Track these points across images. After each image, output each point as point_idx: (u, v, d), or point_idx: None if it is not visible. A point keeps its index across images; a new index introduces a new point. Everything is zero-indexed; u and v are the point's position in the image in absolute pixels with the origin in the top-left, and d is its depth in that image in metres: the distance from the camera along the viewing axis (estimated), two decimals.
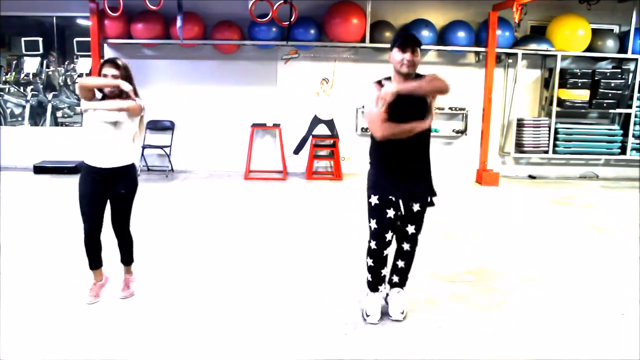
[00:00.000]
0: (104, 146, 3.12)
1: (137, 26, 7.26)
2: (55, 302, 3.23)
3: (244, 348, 2.77)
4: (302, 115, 7.92)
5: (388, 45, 2.94)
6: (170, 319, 3.06)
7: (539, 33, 7.85)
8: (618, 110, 7.83)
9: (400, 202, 2.97)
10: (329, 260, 4.12)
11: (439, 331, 2.98)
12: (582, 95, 7.67)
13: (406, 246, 3.10)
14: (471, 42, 7.51)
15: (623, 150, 7.89)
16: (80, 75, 8.43)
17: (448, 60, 7.82)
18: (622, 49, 7.72)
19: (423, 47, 3.85)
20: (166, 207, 5.82)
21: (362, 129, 7.85)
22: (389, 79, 2.92)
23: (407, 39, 2.83)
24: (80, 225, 3.21)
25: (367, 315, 3.08)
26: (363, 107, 7.59)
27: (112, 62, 3.12)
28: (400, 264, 3.15)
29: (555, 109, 7.72)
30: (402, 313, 3.10)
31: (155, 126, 7.69)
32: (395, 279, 3.18)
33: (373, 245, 3.02)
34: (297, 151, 8.00)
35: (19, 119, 8.63)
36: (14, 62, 9.03)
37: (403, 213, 3.00)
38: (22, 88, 8.78)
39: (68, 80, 9.03)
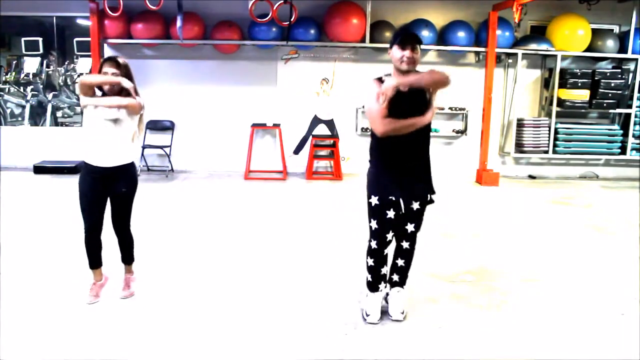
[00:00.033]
0: (104, 145, 3.11)
1: (137, 26, 7.26)
2: (55, 302, 3.23)
3: (244, 348, 2.77)
4: (302, 115, 7.92)
5: (388, 45, 2.94)
6: (171, 319, 3.06)
7: (539, 33, 7.85)
8: (618, 110, 7.83)
9: (401, 201, 2.97)
10: (329, 261, 4.12)
11: (439, 331, 2.98)
12: (582, 95, 7.67)
13: (405, 244, 3.10)
14: (471, 42, 7.51)
15: (623, 150, 7.89)
16: (80, 75, 8.43)
17: (448, 60, 7.82)
18: (622, 49, 7.72)
19: (423, 47, 3.85)
20: (166, 207, 5.82)
21: (362, 129, 7.86)
22: (389, 75, 2.92)
23: (407, 36, 2.84)
24: (80, 225, 3.22)
25: (367, 315, 3.08)
26: (363, 107, 7.60)
27: (112, 60, 3.13)
28: (400, 262, 3.16)
29: (555, 109, 7.72)
30: (403, 313, 3.10)
31: (155, 126, 7.69)
32: (395, 277, 3.18)
33: (374, 244, 3.02)
34: (297, 151, 8.00)
35: (19, 119, 8.63)
36: (14, 62, 9.02)
37: (403, 212, 3.00)
38: (22, 88, 8.78)
39: (68, 80, 9.03)
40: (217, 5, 7.44)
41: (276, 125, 7.72)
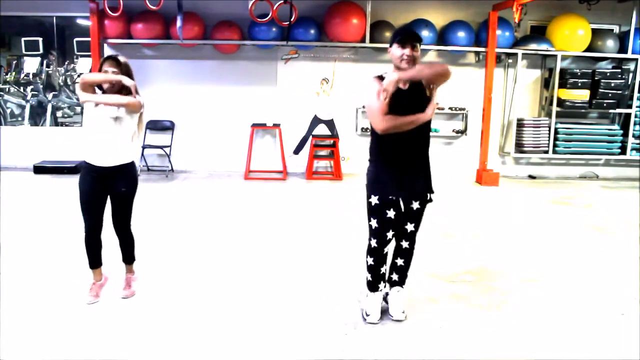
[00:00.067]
0: (104, 144, 3.11)
1: (137, 26, 7.26)
2: (55, 302, 3.23)
3: (244, 348, 2.77)
4: (302, 115, 7.92)
5: (388, 45, 2.94)
6: (171, 319, 3.06)
7: (539, 33, 7.85)
8: (618, 110, 7.83)
9: (401, 200, 2.97)
10: (329, 260, 4.12)
11: (439, 331, 2.98)
12: (582, 95, 7.67)
13: (405, 244, 3.10)
14: (471, 42, 7.51)
15: (623, 150, 7.90)
16: (80, 75, 8.43)
17: (448, 60, 7.80)
18: (622, 49, 7.72)
19: (423, 47, 3.85)
20: (166, 207, 5.82)
21: (362, 128, 7.86)
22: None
23: (407, 34, 2.84)
24: (80, 225, 3.22)
25: (367, 315, 3.08)
26: (363, 107, 7.60)
27: (113, 59, 3.12)
28: (400, 262, 3.16)
29: (555, 109, 7.72)
30: (403, 312, 3.10)
31: (155, 126, 7.69)
32: (395, 277, 3.18)
33: (374, 243, 3.02)
34: (297, 151, 8.00)
35: (19, 119, 8.63)
36: (14, 62, 9.02)
37: (403, 211, 3.00)
38: (22, 88, 8.78)
39: (68, 80, 9.03)
40: (217, 5, 7.44)
41: (276, 125, 7.72)
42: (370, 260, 3.06)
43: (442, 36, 7.60)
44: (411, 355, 2.73)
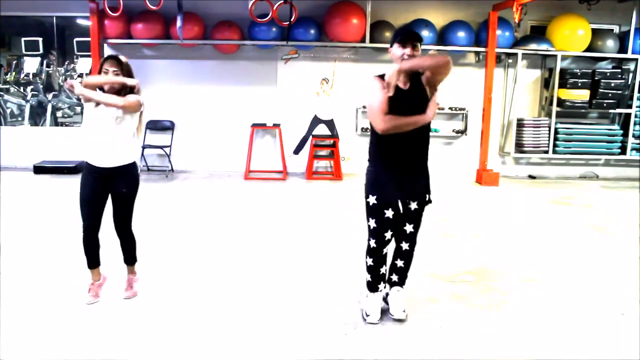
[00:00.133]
0: (104, 145, 3.11)
1: (137, 26, 7.26)
2: (55, 302, 3.23)
3: (244, 348, 2.77)
4: (302, 115, 7.92)
5: (388, 45, 2.94)
6: (171, 319, 3.06)
7: (539, 33, 7.85)
8: (618, 110, 7.83)
9: (399, 201, 2.96)
10: (329, 261, 4.12)
11: (439, 331, 2.98)
12: (582, 95, 7.67)
13: (405, 245, 3.10)
14: (471, 42, 7.51)
15: (623, 150, 7.89)
16: (80, 76, 8.43)
17: None
18: (622, 49, 7.72)
19: (423, 47, 3.85)
20: (166, 207, 5.82)
21: (362, 129, 7.85)
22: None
23: (407, 34, 2.84)
24: (80, 225, 3.21)
25: (367, 315, 3.08)
26: (363, 107, 7.60)
27: (113, 58, 3.12)
28: (399, 263, 3.15)
29: (555, 109, 7.72)
30: (404, 311, 3.10)
31: (155, 126, 7.69)
32: (395, 277, 3.18)
33: (372, 243, 3.02)
34: (297, 151, 8.00)
35: (19, 119, 8.63)
36: (14, 62, 9.03)
37: (401, 212, 3.00)
38: (22, 88, 8.78)
39: (68, 80, 9.03)
40: (217, 5, 7.44)
41: (276, 125, 7.72)
42: (370, 261, 3.06)
43: (442, 36, 7.60)
44: (411, 355, 2.73)
